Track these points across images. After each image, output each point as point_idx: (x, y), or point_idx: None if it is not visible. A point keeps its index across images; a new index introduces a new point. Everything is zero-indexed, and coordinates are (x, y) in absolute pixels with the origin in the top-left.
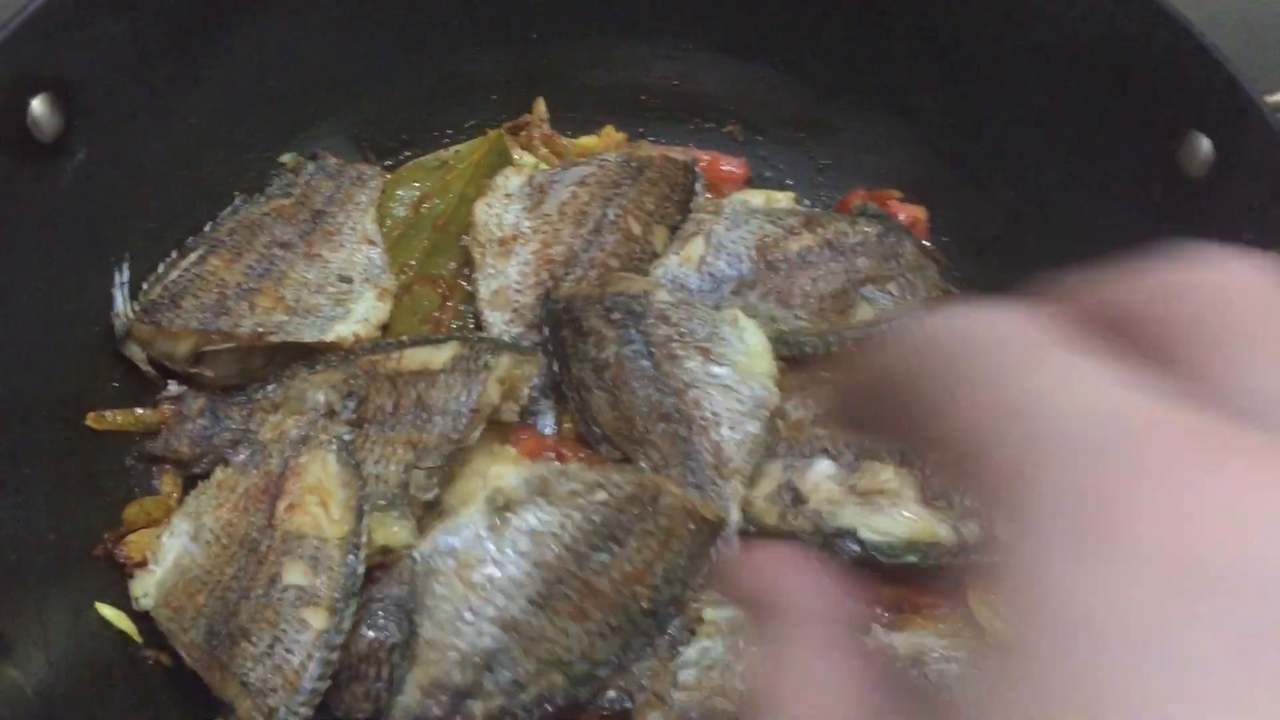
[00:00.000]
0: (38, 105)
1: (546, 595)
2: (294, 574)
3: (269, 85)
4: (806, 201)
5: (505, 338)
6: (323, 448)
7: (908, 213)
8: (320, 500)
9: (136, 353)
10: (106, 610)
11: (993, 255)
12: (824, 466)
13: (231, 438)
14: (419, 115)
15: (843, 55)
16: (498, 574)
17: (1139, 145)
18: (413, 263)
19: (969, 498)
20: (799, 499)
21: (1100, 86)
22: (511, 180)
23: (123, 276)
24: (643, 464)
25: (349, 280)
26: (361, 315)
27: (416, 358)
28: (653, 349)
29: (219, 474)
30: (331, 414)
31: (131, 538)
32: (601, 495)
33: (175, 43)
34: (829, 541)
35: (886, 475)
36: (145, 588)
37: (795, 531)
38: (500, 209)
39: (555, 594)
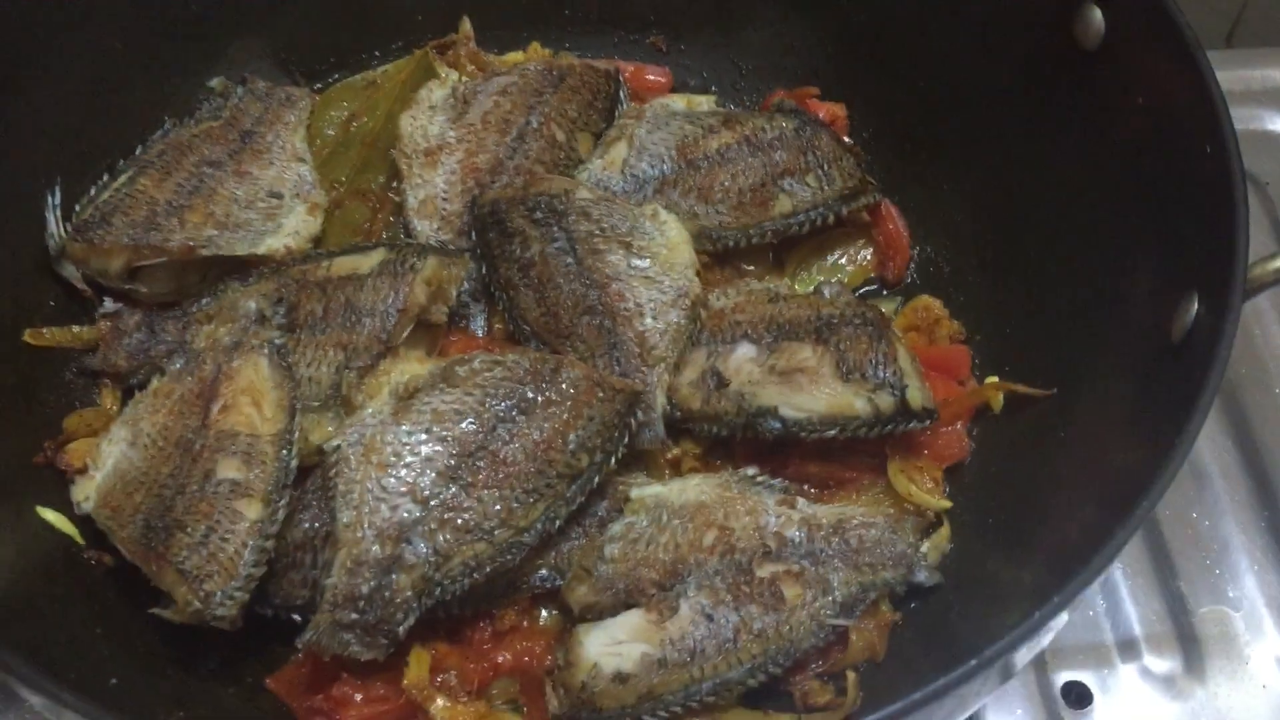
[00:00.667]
0: None
1: (457, 468)
2: (228, 469)
3: (194, 9)
4: (729, 104)
5: (433, 244)
6: (255, 351)
7: (827, 109)
8: (253, 400)
9: (71, 272)
10: (48, 514)
11: (910, 144)
12: (745, 349)
13: (167, 350)
14: (346, 37)
15: None
16: (404, 452)
17: (1036, 19)
18: (343, 179)
19: (883, 370)
20: (722, 382)
21: None
22: (435, 92)
23: (55, 199)
24: (570, 356)
25: (279, 196)
26: (292, 229)
27: (345, 264)
28: (576, 245)
29: (155, 383)
30: (263, 320)
31: (72, 446)
32: (501, 371)
33: None
34: (751, 421)
35: (804, 354)
36: (86, 492)
37: (719, 414)
38: (425, 120)
39: (465, 466)
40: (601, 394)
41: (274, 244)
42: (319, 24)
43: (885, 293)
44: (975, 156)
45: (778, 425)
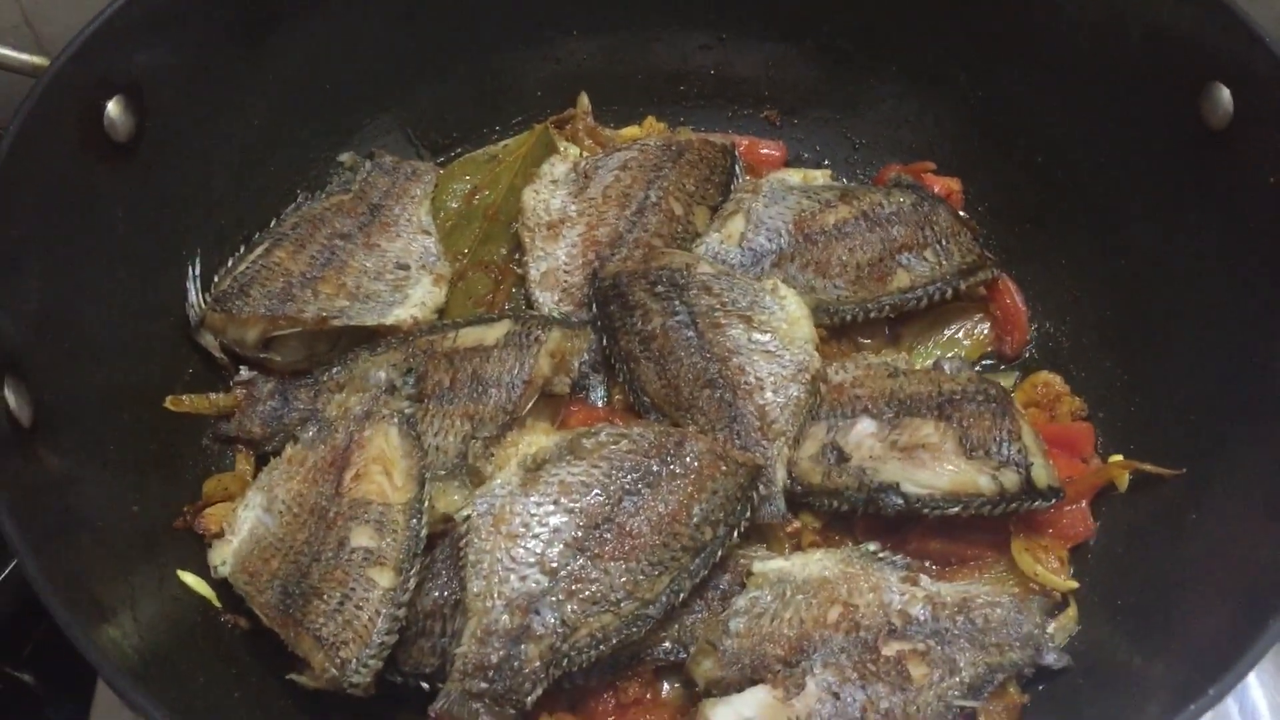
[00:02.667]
0: (113, 107)
1: (584, 539)
2: (361, 537)
3: (327, 87)
4: (843, 179)
5: (556, 316)
6: (385, 420)
7: (942, 184)
8: (384, 469)
9: (210, 341)
10: (188, 578)
11: (1028, 219)
12: (866, 425)
13: (300, 417)
14: (468, 113)
15: (871, 34)
16: (533, 523)
17: (1161, 100)
18: (466, 250)
19: (1007, 448)
20: (843, 457)
21: (1120, 48)
22: (557, 167)
23: (195, 270)
24: (690, 428)
25: (406, 267)
26: (418, 299)
27: (471, 335)
28: (696, 319)
29: (289, 450)
30: (393, 390)
31: (209, 511)
32: (626, 445)
33: (240, 47)
34: (873, 497)
35: (926, 430)
36: (223, 556)
37: (840, 489)
38: (547, 195)
39: (593, 538)
40: (724, 467)
41: (401, 315)
42: (443, 101)
43: (1003, 368)
44: (1095, 232)
45: (900, 501)
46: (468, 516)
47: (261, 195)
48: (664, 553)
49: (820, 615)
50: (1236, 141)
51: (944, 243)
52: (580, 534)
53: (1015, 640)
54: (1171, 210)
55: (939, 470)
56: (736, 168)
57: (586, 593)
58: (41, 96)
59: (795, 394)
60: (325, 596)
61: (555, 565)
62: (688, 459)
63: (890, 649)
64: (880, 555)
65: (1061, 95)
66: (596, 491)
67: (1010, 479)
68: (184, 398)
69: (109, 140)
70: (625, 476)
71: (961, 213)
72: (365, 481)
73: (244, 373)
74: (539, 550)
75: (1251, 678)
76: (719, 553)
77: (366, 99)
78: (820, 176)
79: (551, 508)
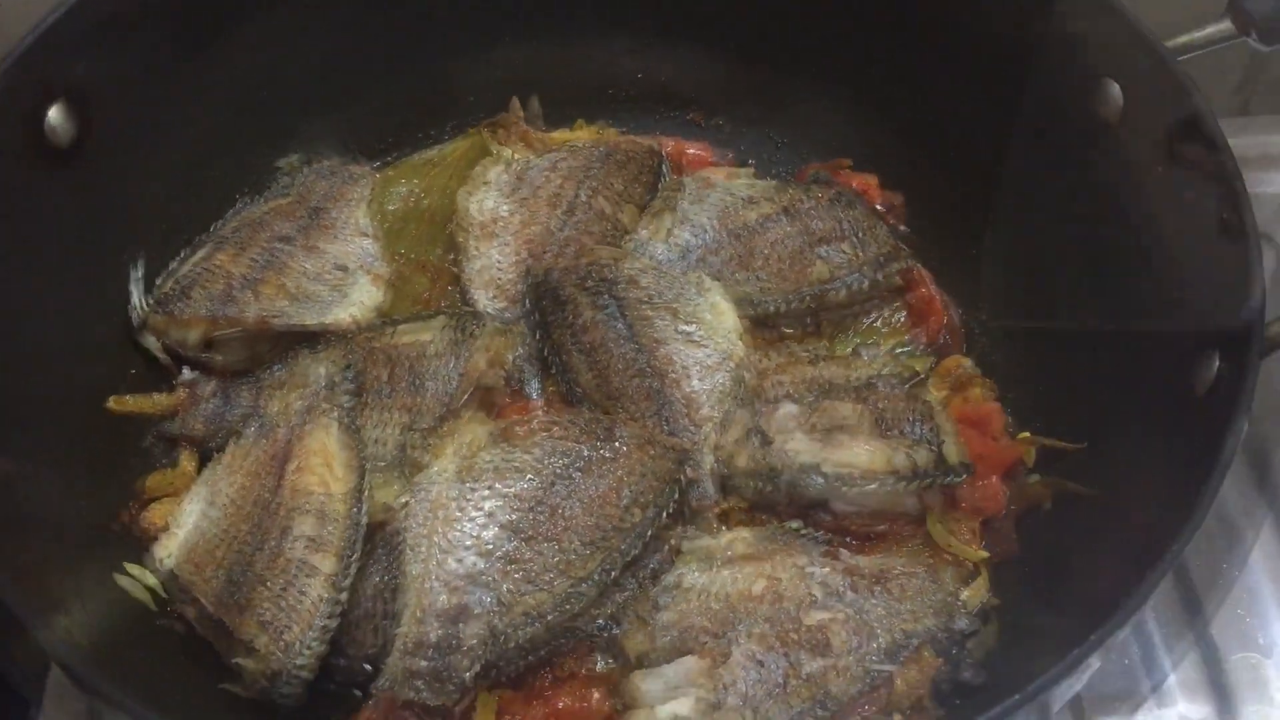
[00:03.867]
0: (54, 113)
1: (517, 522)
2: (304, 525)
3: (266, 94)
4: (766, 177)
5: (490, 312)
6: (325, 415)
7: (859, 180)
8: (324, 461)
9: (152, 342)
10: (124, 581)
11: (941, 211)
12: (788, 409)
13: (243, 415)
14: (404, 119)
15: (788, 37)
16: (468, 507)
17: (1060, 95)
18: (403, 251)
19: (920, 427)
20: (766, 440)
21: (1022, 48)
22: (490, 170)
23: (138, 273)
24: (621, 416)
25: (345, 269)
26: (357, 299)
27: (408, 332)
28: (625, 311)
29: (232, 447)
30: (332, 386)
31: (153, 506)
32: (557, 431)
33: (181, 54)
34: (796, 478)
35: (844, 411)
36: (168, 549)
37: (764, 470)
38: (481, 196)
39: (525, 521)
40: (653, 451)
41: (341, 315)
42: (380, 108)
43: (918, 353)
44: (1002, 222)
45: (820, 481)
46: (405, 503)
47: (203, 199)
48: (595, 533)
49: (745, 589)
50: (1126, 133)
51: (860, 235)
52: (514, 517)
53: (930, 608)
54: (1071, 201)
55: (856, 450)
56: (664, 168)
57: (521, 573)
58: None
59: (720, 381)
60: (269, 583)
61: (490, 547)
62: (617, 444)
63: (811, 618)
64: (803, 532)
65: (970, 93)
66: (529, 476)
67: (923, 456)
68: (127, 398)
69: (50, 146)
70: (557, 461)
71: (877, 206)
72: (306, 473)
73: (186, 373)
74: (475, 533)
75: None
76: (649, 533)
77: (306, 105)
78: (743, 175)
79: (486, 492)
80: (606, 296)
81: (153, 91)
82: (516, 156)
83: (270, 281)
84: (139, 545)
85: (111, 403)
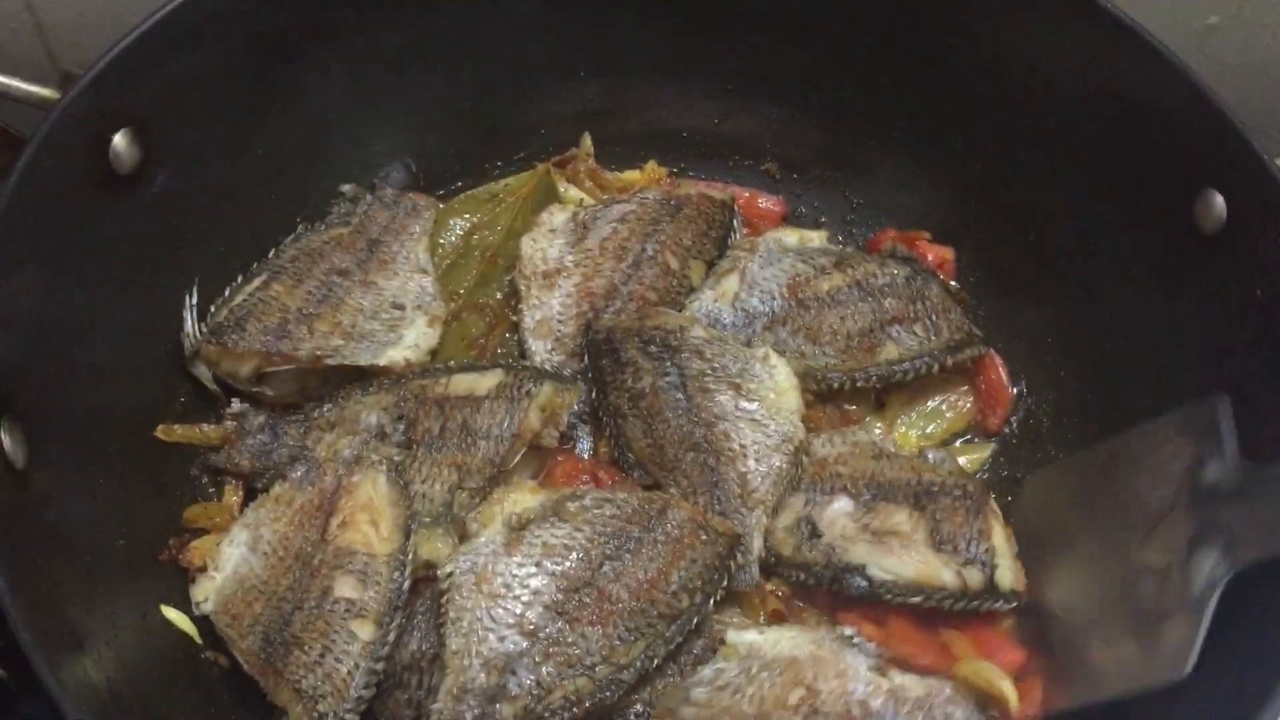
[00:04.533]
0: (119, 140)
1: (564, 603)
2: (344, 587)
3: (332, 119)
4: (840, 239)
5: (547, 366)
6: (374, 468)
7: (936, 253)
8: (370, 518)
9: (203, 372)
10: (170, 613)
11: (1018, 295)
12: (842, 504)
13: (289, 454)
14: (472, 148)
15: (877, 97)
16: (514, 584)
17: (1158, 197)
18: (461, 291)
19: (975, 546)
20: (815, 532)
21: (1120, 141)
22: (556, 216)
23: (192, 299)
24: (672, 490)
25: (402, 307)
26: (412, 341)
27: (463, 383)
28: (686, 382)
29: (277, 488)
30: (383, 435)
31: (194, 544)
32: (610, 510)
33: (247, 81)
34: (839, 576)
35: (900, 518)
36: (205, 592)
37: (809, 563)
38: (545, 244)
39: (572, 601)
40: (705, 536)
41: (395, 356)
42: (446, 135)
43: (976, 440)
44: (1082, 314)
45: (864, 584)
46: (450, 573)
47: (263, 223)
48: (641, 619)
49: (782, 695)
50: (1226, 249)
51: (934, 318)
52: (560, 597)
53: None
54: (1157, 303)
55: (906, 559)
56: (735, 223)
57: (563, 656)
58: (50, 130)
59: (777, 464)
60: (306, 648)
61: (534, 627)
62: (669, 526)
63: None
64: (854, 640)
65: (1058, 176)
66: (578, 555)
67: (974, 577)
68: (175, 428)
69: (114, 172)
70: (608, 542)
71: (953, 283)
72: (351, 530)
73: (236, 405)
74: (519, 611)
75: None
76: (695, 619)
77: (369, 131)
78: (817, 238)
79: (533, 569)
80: (669, 364)
81: (217, 118)
82: (585, 202)
83: (326, 317)
84: (183, 579)
85: (160, 431)
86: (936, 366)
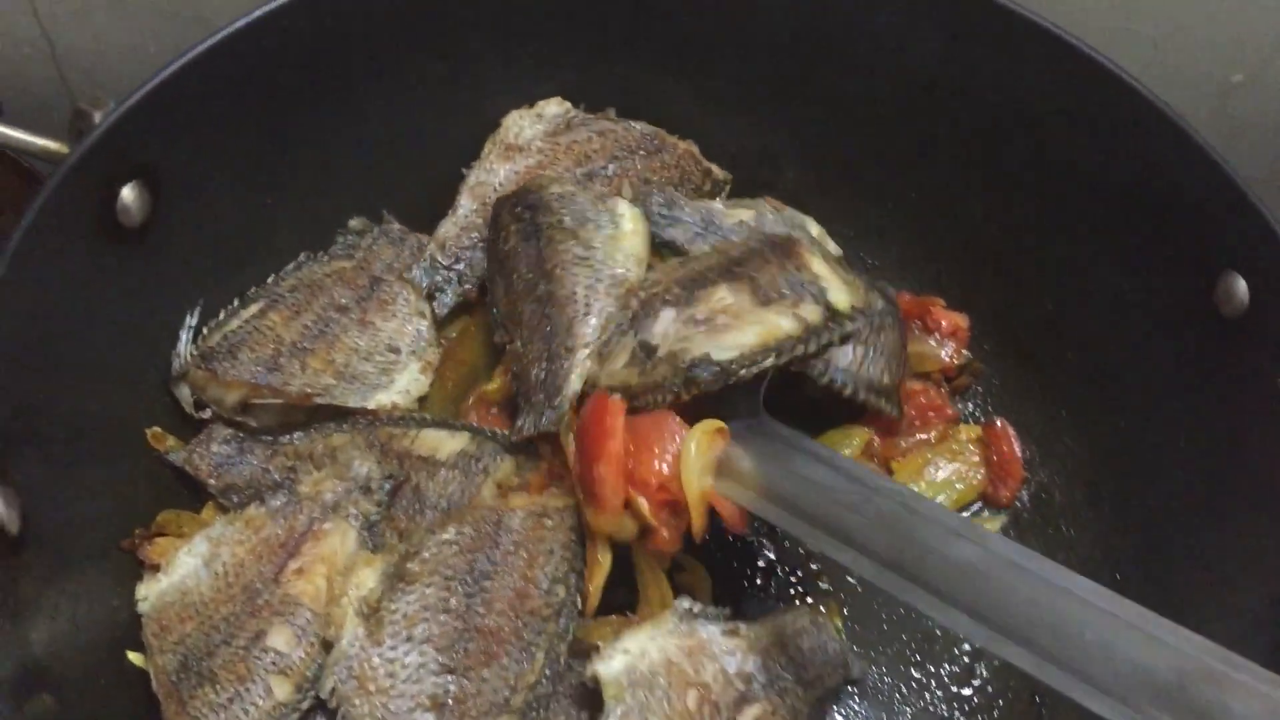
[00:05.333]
0: (128, 192)
1: (451, 661)
2: (278, 638)
3: (344, 165)
4: None
5: (459, 227)
6: (348, 520)
7: (950, 320)
8: (327, 572)
9: (185, 394)
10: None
11: (1032, 367)
12: (665, 314)
13: (250, 472)
14: None
15: (893, 161)
16: (396, 670)
17: (1177, 277)
18: (454, 334)
19: (798, 282)
20: (651, 351)
21: (1139, 217)
22: (552, 107)
23: (192, 319)
24: (516, 343)
25: (397, 351)
26: (403, 386)
27: (429, 441)
28: (539, 235)
29: (251, 510)
30: (367, 490)
31: (160, 540)
32: (450, 550)
33: (259, 131)
34: (689, 376)
35: (720, 295)
36: (148, 592)
37: (659, 382)
38: (527, 122)
39: (458, 654)
40: (549, 521)
41: (384, 399)
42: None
43: (986, 513)
44: (1097, 390)
45: (715, 369)
46: (333, 689)
47: (267, 251)
48: (529, 632)
49: (684, 708)
50: (1247, 334)
51: (873, 353)
52: (445, 659)
53: (828, 665)
54: (1173, 383)
55: (742, 328)
56: (719, 198)
57: (475, 707)
58: (57, 185)
59: (604, 305)
60: (218, 687)
61: (435, 697)
62: (513, 532)
63: (746, 717)
64: (695, 612)
65: (1077, 248)
66: (441, 610)
67: (811, 311)
68: (169, 440)
69: (121, 224)
70: (463, 581)
71: (965, 351)
72: (304, 579)
73: (209, 412)
74: (414, 692)
75: None
76: (576, 602)
77: (382, 174)
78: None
79: (406, 646)
80: (529, 222)
81: (228, 167)
82: (580, 109)
83: (320, 354)
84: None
85: (150, 436)
86: (848, 389)
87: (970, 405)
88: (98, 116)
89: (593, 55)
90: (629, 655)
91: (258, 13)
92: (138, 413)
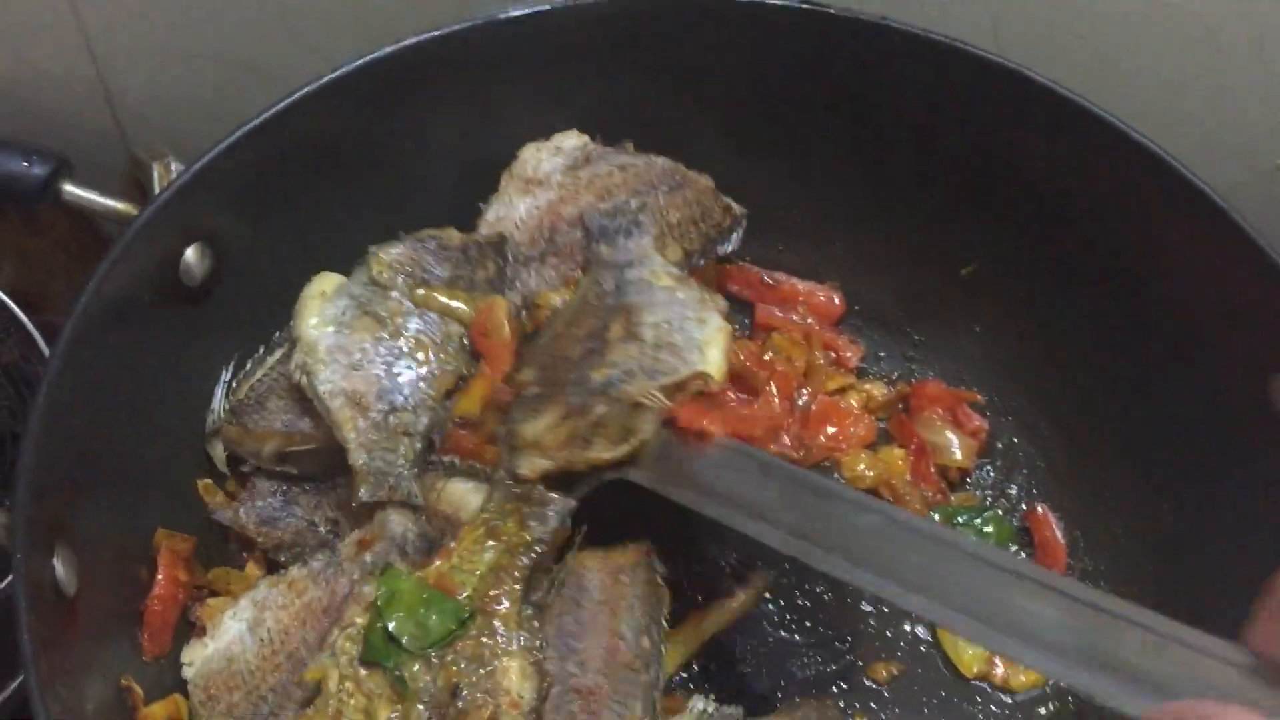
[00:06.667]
0: (190, 254)
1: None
2: None
3: (394, 216)
4: (895, 376)
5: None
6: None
7: (974, 423)
8: None
9: (219, 452)
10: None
11: (1079, 454)
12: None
13: (296, 527)
14: None
15: (947, 241)
16: None
17: (1230, 374)
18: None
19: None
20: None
21: (1191, 310)
22: (570, 140)
23: (226, 374)
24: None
25: None
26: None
27: (451, 498)
28: None
29: (294, 571)
30: (403, 547)
31: (211, 602)
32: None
33: (317, 194)
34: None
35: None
36: (194, 656)
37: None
38: (545, 155)
39: (563, 715)
40: (625, 578)
41: None
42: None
43: None
44: (1143, 480)
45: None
46: None
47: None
48: (624, 684)
49: None
50: None
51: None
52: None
53: None
54: (1221, 480)
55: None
56: (735, 235)
57: None
58: (128, 244)
59: None
60: None
61: None
62: (591, 590)
63: None
64: (710, 712)
65: (1126, 339)
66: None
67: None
68: (219, 494)
69: (181, 285)
70: (556, 647)
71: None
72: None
73: (250, 465)
74: None
75: None
76: (663, 647)
77: (428, 217)
78: None
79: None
80: None
81: (285, 226)
82: (597, 140)
83: None
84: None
85: (201, 488)
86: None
87: (1014, 489)
88: (156, 168)
89: (606, 84)
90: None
91: (326, 78)
92: (191, 467)
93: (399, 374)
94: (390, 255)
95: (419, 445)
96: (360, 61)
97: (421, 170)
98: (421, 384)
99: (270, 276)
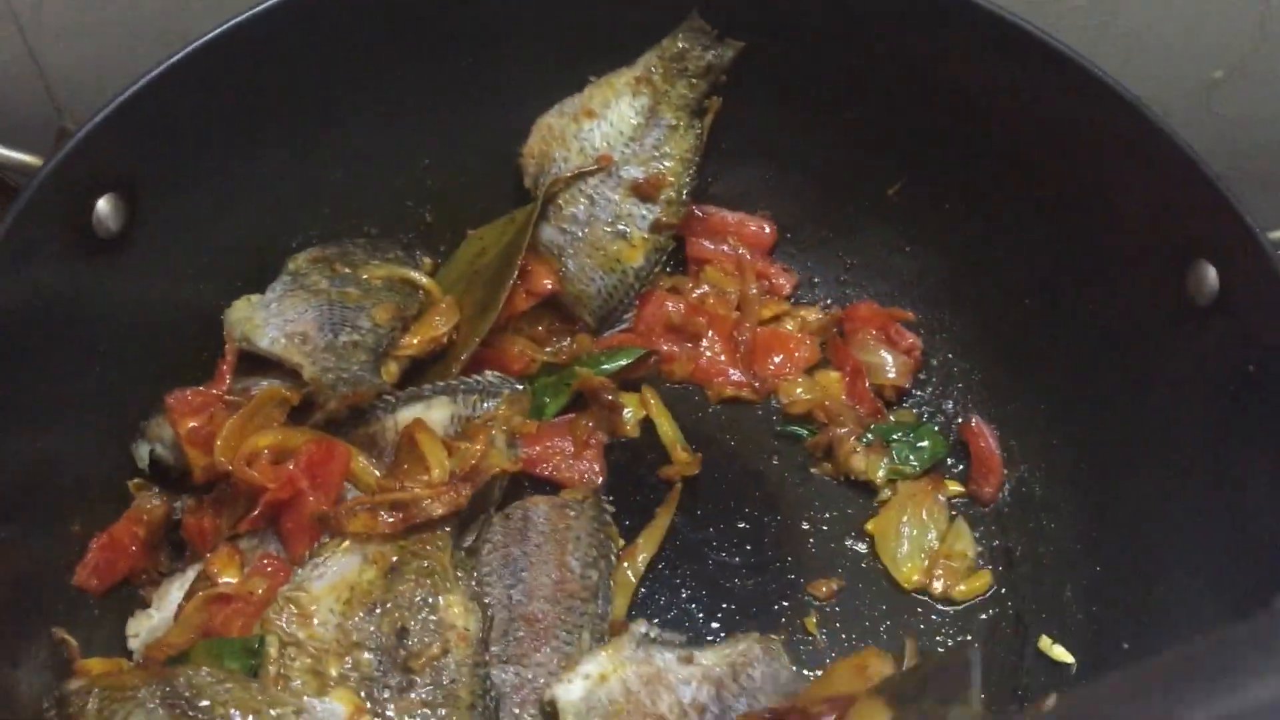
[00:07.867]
0: (103, 205)
1: (504, 651)
2: None
3: (324, 182)
4: (829, 300)
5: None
6: None
7: (908, 341)
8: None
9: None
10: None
11: (1010, 364)
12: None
13: None
14: (477, 201)
15: (869, 159)
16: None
17: (1149, 267)
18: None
19: None
20: None
21: (1111, 209)
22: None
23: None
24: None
25: None
26: None
27: (407, 421)
28: None
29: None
30: None
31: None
32: (484, 547)
33: (236, 148)
34: None
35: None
36: (139, 628)
37: None
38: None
39: (510, 643)
40: (572, 512)
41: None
42: (437, 198)
43: (972, 511)
44: (1074, 384)
45: None
46: None
47: (242, 284)
48: (572, 615)
49: None
50: (1218, 323)
51: None
52: (497, 649)
53: (780, 693)
54: (1148, 374)
55: None
56: None
57: (530, 689)
58: (30, 198)
59: None
60: None
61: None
62: (539, 525)
63: None
64: (652, 636)
65: (1051, 245)
66: (490, 604)
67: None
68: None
69: (95, 237)
70: (499, 575)
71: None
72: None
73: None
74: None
75: None
76: (609, 582)
77: (364, 198)
78: None
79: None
80: None
81: (204, 183)
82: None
83: None
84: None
85: (132, 485)
86: None
87: (950, 404)
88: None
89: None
90: (588, 681)
91: (228, 24)
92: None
93: (336, 314)
94: (304, 254)
95: (372, 357)
96: (260, 8)
97: (335, 114)
98: (361, 315)
99: (197, 241)
